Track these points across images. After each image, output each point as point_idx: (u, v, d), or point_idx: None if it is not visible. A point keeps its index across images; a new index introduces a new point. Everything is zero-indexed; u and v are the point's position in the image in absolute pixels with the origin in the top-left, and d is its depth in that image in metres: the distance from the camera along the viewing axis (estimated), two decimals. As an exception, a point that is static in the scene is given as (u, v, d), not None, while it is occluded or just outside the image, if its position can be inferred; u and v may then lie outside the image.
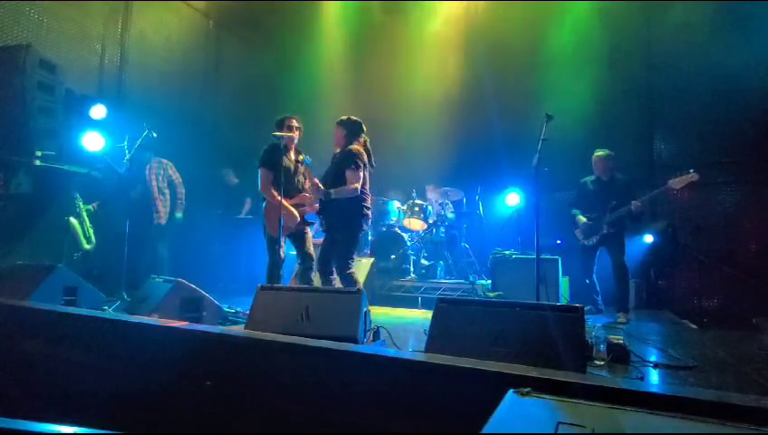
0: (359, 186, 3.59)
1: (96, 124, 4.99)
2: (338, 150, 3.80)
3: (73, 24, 5.44)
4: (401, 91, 7.04)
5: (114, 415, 2.24)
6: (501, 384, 1.34)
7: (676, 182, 4.10)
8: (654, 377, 2.39)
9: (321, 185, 3.64)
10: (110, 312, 3.56)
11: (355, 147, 3.68)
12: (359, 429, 1.72)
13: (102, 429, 1.22)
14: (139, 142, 4.69)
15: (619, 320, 4.21)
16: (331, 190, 3.56)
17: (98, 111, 5.01)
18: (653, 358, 2.74)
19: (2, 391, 2.65)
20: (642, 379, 2.26)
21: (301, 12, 7.48)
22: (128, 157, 4.63)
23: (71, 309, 3.06)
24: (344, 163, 3.63)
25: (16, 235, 4.40)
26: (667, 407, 1.18)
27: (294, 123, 3.86)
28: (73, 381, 2.48)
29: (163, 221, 5.18)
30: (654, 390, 1.38)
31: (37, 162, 4.56)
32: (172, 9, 6.63)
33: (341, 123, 3.80)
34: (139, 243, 4.59)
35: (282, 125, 3.82)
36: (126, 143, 4.73)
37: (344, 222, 3.64)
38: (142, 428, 2.14)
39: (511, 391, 1.13)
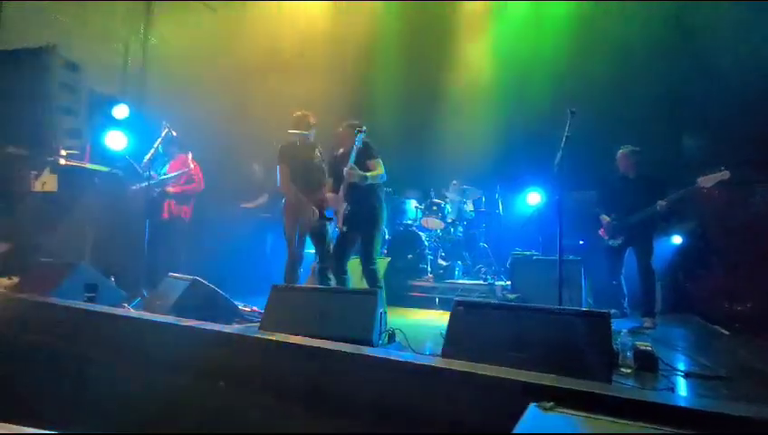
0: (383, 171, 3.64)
1: (119, 124, 5.08)
2: (340, 150, 3.74)
3: (97, 25, 5.55)
4: (417, 89, 6.94)
5: (126, 412, 2.25)
6: (520, 394, 1.27)
7: (706, 180, 3.91)
8: (685, 388, 2.26)
9: (355, 170, 3.51)
10: (129, 309, 3.60)
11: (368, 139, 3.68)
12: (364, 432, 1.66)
13: (116, 429, 1.19)
14: (159, 141, 4.73)
15: (645, 325, 4.05)
16: (367, 174, 3.52)
17: (120, 111, 5.10)
18: (682, 366, 2.60)
19: (23, 386, 2.70)
20: (673, 390, 2.14)
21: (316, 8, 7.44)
22: (148, 155, 4.68)
23: (91, 306, 3.11)
24: (363, 155, 3.58)
25: (41, 232, 4.50)
26: (707, 426, 1.09)
27: (311, 120, 3.83)
28: (90, 378, 2.51)
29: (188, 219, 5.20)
30: (690, 405, 1.27)
31: (62, 161, 4.66)
32: (192, 10, 6.69)
33: (352, 127, 3.72)
34: (159, 240, 4.62)
35: (298, 122, 3.80)
36: (159, 145, 4.76)
37: (373, 221, 3.65)
38: (154, 427, 2.14)
39: (533, 404, 1.05)
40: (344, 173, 3.51)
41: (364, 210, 3.62)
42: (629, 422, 1.02)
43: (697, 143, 5.74)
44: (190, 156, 5.07)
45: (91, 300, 3.50)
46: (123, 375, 2.42)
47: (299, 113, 3.86)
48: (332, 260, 3.77)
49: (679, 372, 2.43)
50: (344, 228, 3.66)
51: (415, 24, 7.27)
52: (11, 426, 0.91)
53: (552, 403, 1.04)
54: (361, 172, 3.50)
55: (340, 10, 7.49)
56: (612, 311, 4.40)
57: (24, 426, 0.98)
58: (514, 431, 0.94)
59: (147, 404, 2.23)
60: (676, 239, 5.33)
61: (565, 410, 1.03)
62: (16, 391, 2.83)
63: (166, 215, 4.93)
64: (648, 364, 2.40)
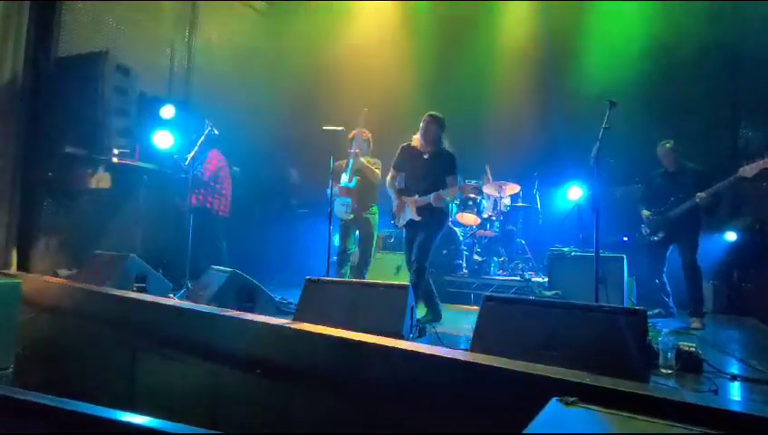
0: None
1: (166, 123, 5.33)
2: (426, 147, 3.76)
3: (146, 29, 5.82)
4: (452, 81, 6.84)
5: (170, 393, 2.39)
6: (545, 391, 1.26)
7: (748, 170, 3.62)
8: (731, 391, 2.14)
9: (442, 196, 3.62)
10: (174, 299, 3.80)
11: (450, 149, 3.76)
12: (391, 424, 1.69)
13: (155, 414, 1.28)
14: (201, 139, 4.93)
15: (693, 325, 3.84)
16: (448, 199, 3.65)
17: (167, 111, 5.34)
18: (731, 369, 2.46)
19: (79, 368, 2.92)
20: (716, 392, 2.03)
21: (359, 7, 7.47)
22: (191, 154, 4.89)
23: (141, 295, 3.32)
24: (446, 168, 3.69)
25: (97, 226, 4.83)
26: (734, 427, 1.04)
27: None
28: (139, 362, 2.68)
29: (226, 214, 5.40)
30: (732, 407, 1.21)
31: (115, 160, 4.96)
32: (235, 12, 6.90)
33: (438, 120, 3.75)
34: (202, 235, 4.83)
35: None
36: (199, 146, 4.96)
37: (439, 224, 3.77)
38: (194, 409, 2.26)
39: (554, 399, 1.04)
40: (432, 198, 3.59)
41: (434, 217, 3.71)
42: (655, 420, 0.98)
43: (757, 133, 5.34)
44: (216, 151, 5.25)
45: (141, 290, 3.73)
46: (168, 359, 2.57)
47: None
48: (406, 255, 3.88)
49: (725, 375, 2.30)
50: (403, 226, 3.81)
51: (454, 9, 7.14)
52: (64, 400, 1.00)
53: (574, 398, 1.03)
54: (448, 198, 3.62)
55: (382, 11, 7.49)
56: (657, 310, 4.25)
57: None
58: (533, 423, 0.94)
59: (187, 387, 2.36)
60: (731, 236, 5.00)
61: (588, 406, 1.01)
62: (73, 373, 3.07)
63: (200, 202, 5.09)
64: (691, 365, 2.29)
